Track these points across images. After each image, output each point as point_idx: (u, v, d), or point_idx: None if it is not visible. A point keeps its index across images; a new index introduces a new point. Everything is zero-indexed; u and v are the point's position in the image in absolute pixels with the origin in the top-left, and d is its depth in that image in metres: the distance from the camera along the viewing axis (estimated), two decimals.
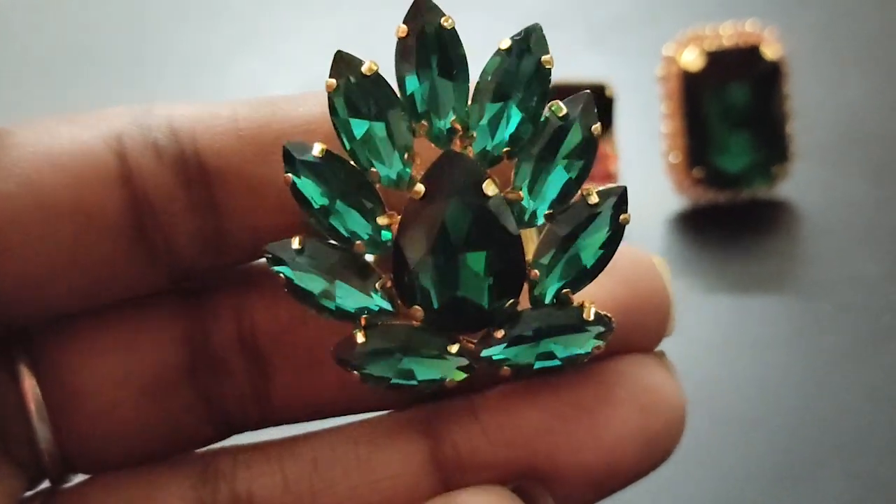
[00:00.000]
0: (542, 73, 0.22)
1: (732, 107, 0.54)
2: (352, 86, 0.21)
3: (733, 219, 0.55)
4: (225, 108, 0.23)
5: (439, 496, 0.22)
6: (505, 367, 0.22)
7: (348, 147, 0.22)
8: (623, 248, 0.23)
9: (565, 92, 0.58)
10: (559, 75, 0.62)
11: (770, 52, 0.54)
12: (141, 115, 0.23)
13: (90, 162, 0.23)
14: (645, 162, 0.57)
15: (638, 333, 0.23)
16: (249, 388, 0.25)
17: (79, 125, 0.23)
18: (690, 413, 0.44)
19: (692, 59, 0.54)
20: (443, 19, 0.21)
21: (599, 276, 0.22)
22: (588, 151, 0.22)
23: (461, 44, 0.22)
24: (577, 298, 0.22)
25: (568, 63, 0.66)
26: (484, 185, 0.21)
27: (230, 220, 0.23)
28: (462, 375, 0.22)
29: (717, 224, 0.55)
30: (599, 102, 0.53)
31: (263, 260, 0.23)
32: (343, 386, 0.24)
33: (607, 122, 0.54)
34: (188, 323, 0.25)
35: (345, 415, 0.25)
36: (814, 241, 0.54)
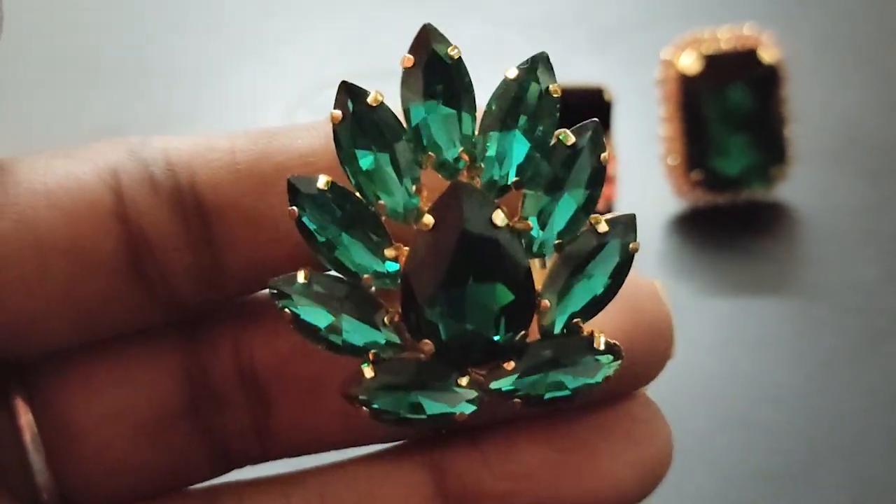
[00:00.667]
0: (549, 101, 0.22)
1: (730, 110, 0.54)
2: (357, 117, 0.21)
3: (732, 221, 0.55)
4: (222, 140, 0.23)
5: None
6: (516, 399, 0.22)
7: (353, 180, 0.21)
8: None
9: (565, 95, 0.58)
10: (559, 79, 0.63)
11: (768, 55, 0.55)
12: (137, 149, 0.23)
13: (86, 198, 0.22)
14: (644, 165, 0.57)
15: (643, 358, 0.23)
16: (250, 421, 0.25)
17: (74, 160, 0.23)
18: (690, 413, 0.45)
19: (690, 63, 0.54)
20: (449, 49, 0.21)
21: None
22: (596, 181, 0.22)
23: (467, 73, 0.21)
24: (586, 327, 0.22)
25: (568, 66, 0.66)
26: (493, 216, 0.21)
27: (228, 254, 0.23)
28: (472, 408, 0.22)
29: (715, 226, 0.55)
30: (598, 105, 0.54)
31: (262, 292, 0.23)
32: (346, 418, 0.24)
33: (606, 126, 0.55)
34: (186, 357, 0.24)
35: (348, 447, 0.25)
36: (812, 244, 0.54)
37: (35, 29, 0.74)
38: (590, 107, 0.55)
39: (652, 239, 0.55)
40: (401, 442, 0.24)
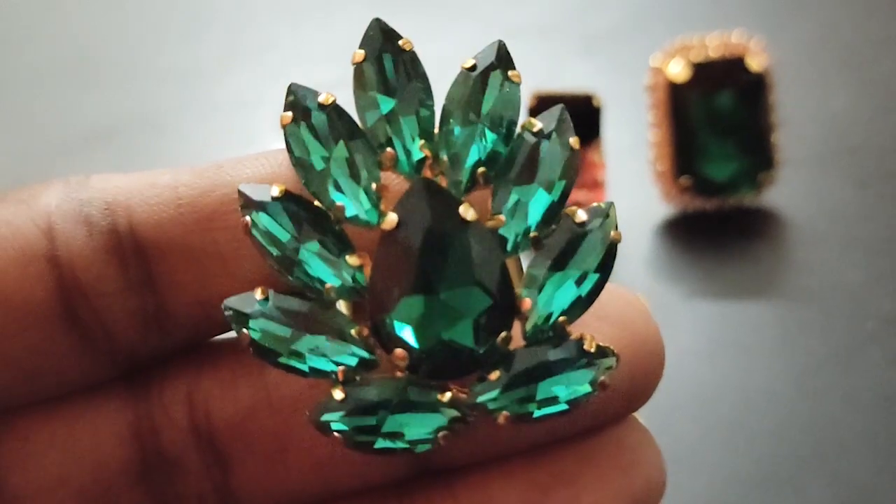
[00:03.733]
0: (512, 89, 0.20)
1: (718, 116, 0.55)
2: (309, 118, 0.20)
3: (720, 226, 0.56)
4: (165, 175, 0.21)
5: None
6: (503, 414, 0.20)
7: (308, 186, 0.20)
8: (613, 289, 0.21)
9: (555, 101, 0.59)
10: (548, 85, 0.63)
11: (755, 62, 0.55)
12: (75, 190, 0.21)
13: (15, 244, 0.21)
14: (633, 170, 0.57)
15: (635, 380, 0.21)
16: (209, 486, 0.22)
17: (7, 203, 0.21)
18: (677, 418, 0.45)
19: (679, 71, 0.55)
20: (401, 42, 0.20)
21: (592, 321, 0.20)
22: (569, 168, 0.20)
23: (422, 66, 0.20)
24: (573, 330, 0.20)
25: (559, 72, 0.67)
26: (461, 210, 0.19)
27: (173, 296, 0.21)
28: (456, 427, 0.20)
29: (703, 231, 0.56)
30: (587, 112, 0.55)
31: (217, 338, 0.21)
32: (318, 471, 0.22)
33: (595, 132, 0.55)
34: (134, 416, 0.22)
35: (319, 501, 0.22)
36: (799, 248, 0.55)
37: (28, 31, 0.74)
38: (579, 113, 0.55)
39: (641, 244, 0.55)
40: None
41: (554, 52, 0.68)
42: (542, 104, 0.55)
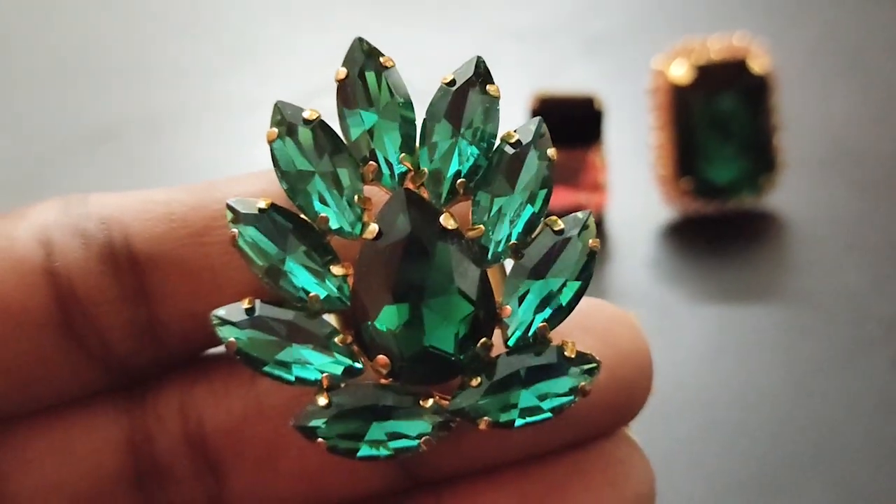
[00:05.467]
0: (490, 103, 0.21)
1: (720, 119, 0.55)
2: (293, 134, 0.20)
3: (721, 229, 0.56)
4: (159, 193, 0.22)
5: None
6: (484, 420, 0.20)
7: (294, 199, 0.20)
8: (599, 304, 0.22)
9: (557, 104, 0.59)
10: (550, 87, 0.63)
11: (757, 65, 0.55)
12: (72, 206, 0.22)
13: (13, 255, 0.21)
14: (635, 173, 0.57)
15: (624, 395, 0.22)
16: (202, 493, 0.23)
17: (7, 219, 0.22)
18: (677, 419, 0.45)
19: (681, 73, 0.55)
20: (383, 59, 0.21)
21: (577, 334, 0.21)
22: (548, 178, 0.20)
23: (403, 82, 0.21)
24: (554, 337, 0.20)
25: (561, 75, 0.67)
26: (442, 220, 0.20)
27: (166, 307, 0.22)
28: (438, 433, 0.20)
29: (705, 234, 0.56)
30: (588, 115, 0.55)
31: (209, 350, 0.22)
32: (308, 480, 0.22)
33: (596, 134, 0.55)
34: (129, 424, 0.23)
35: None
36: (799, 252, 0.55)
37: (29, 31, 0.74)
38: (581, 116, 0.55)
39: (642, 246, 0.55)
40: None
41: (556, 55, 0.68)
42: (543, 106, 0.55)
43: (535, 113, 0.55)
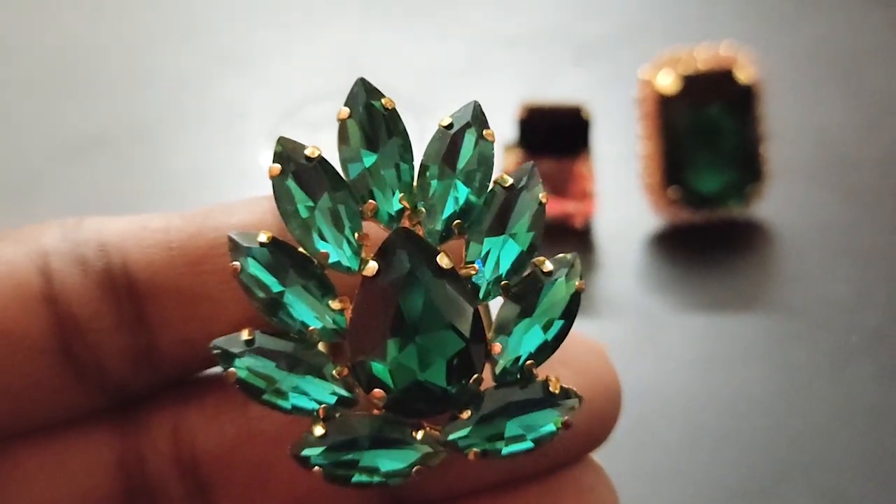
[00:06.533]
0: (486, 146, 0.22)
1: (707, 129, 0.55)
2: (295, 170, 0.21)
3: (708, 238, 0.56)
4: (157, 220, 0.23)
5: None
6: (473, 451, 0.21)
7: (294, 233, 0.21)
8: (575, 336, 0.22)
9: (544, 113, 0.59)
10: (539, 95, 0.63)
11: (743, 75, 0.55)
12: (70, 230, 0.23)
13: (14, 281, 0.22)
14: (623, 182, 0.57)
15: (592, 422, 0.23)
16: None
17: (5, 241, 0.22)
18: (663, 428, 0.45)
19: (668, 82, 0.55)
20: (383, 101, 0.21)
21: (555, 366, 0.22)
22: (538, 221, 0.22)
23: (402, 122, 0.22)
24: (539, 373, 0.22)
25: (549, 83, 0.67)
26: (438, 259, 0.21)
27: (164, 334, 0.22)
28: (430, 462, 0.21)
29: (692, 243, 0.56)
30: (576, 124, 0.55)
31: (203, 372, 0.23)
32: (297, 502, 0.23)
33: (584, 143, 0.55)
34: (122, 446, 0.23)
35: None
36: (786, 261, 0.55)
37: (20, 39, 0.74)
38: (568, 125, 0.55)
39: (630, 256, 0.55)
40: None
41: (546, 62, 0.69)
42: (531, 115, 0.55)
43: (522, 122, 0.55)
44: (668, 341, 0.50)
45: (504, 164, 0.55)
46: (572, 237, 0.56)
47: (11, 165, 0.62)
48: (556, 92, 0.64)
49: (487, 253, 0.21)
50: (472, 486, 0.23)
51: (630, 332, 0.51)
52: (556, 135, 0.55)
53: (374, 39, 0.71)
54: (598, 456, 0.46)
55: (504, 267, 0.22)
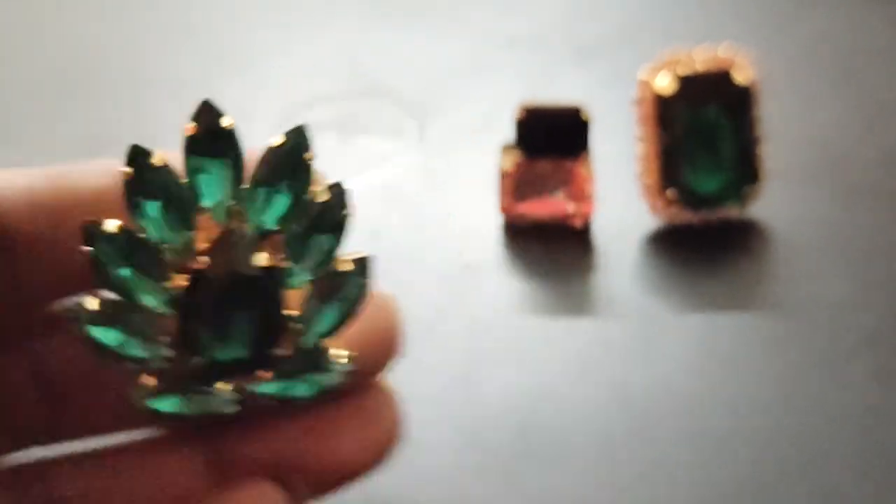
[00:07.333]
0: (306, 164, 0.26)
1: (704, 130, 0.55)
2: (142, 174, 0.25)
3: (706, 239, 0.56)
4: (21, 177, 0.26)
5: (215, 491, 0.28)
6: (271, 398, 0.27)
7: (139, 225, 0.25)
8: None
9: (542, 114, 0.59)
10: (538, 96, 0.63)
11: (741, 76, 0.55)
12: None
13: None
14: (622, 183, 0.57)
15: (372, 358, 0.28)
16: (44, 413, 0.28)
17: None
18: (660, 427, 0.45)
19: (666, 84, 0.55)
20: (221, 120, 0.26)
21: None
22: (341, 226, 0.27)
23: (236, 139, 0.26)
24: (328, 343, 0.27)
25: (551, 84, 0.67)
26: (257, 257, 0.26)
27: (28, 276, 0.26)
28: (235, 408, 0.27)
29: (690, 244, 0.56)
30: (574, 125, 0.55)
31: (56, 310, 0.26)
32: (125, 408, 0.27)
33: (583, 144, 0.55)
34: None
35: (127, 430, 0.29)
36: (783, 262, 0.55)
37: (20, 39, 0.74)
38: (567, 126, 0.55)
39: (628, 256, 0.55)
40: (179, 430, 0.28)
41: (546, 62, 0.69)
42: (529, 116, 0.55)
43: (520, 122, 0.55)
44: (667, 341, 0.50)
45: (502, 165, 0.55)
46: (571, 237, 0.56)
47: (11, 165, 0.62)
48: (556, 92, 0.64)
49: (300, 250, 0.26)
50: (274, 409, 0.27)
51: (629, 333, 0.51)
52: (555, 135, 0.55)
53: (374, 39, 0.71)
54: (596, 455, 0.46)
55: (312, 263, 0.26)
